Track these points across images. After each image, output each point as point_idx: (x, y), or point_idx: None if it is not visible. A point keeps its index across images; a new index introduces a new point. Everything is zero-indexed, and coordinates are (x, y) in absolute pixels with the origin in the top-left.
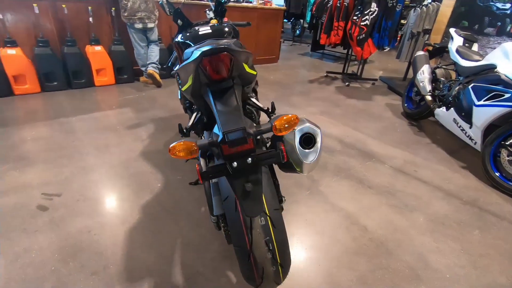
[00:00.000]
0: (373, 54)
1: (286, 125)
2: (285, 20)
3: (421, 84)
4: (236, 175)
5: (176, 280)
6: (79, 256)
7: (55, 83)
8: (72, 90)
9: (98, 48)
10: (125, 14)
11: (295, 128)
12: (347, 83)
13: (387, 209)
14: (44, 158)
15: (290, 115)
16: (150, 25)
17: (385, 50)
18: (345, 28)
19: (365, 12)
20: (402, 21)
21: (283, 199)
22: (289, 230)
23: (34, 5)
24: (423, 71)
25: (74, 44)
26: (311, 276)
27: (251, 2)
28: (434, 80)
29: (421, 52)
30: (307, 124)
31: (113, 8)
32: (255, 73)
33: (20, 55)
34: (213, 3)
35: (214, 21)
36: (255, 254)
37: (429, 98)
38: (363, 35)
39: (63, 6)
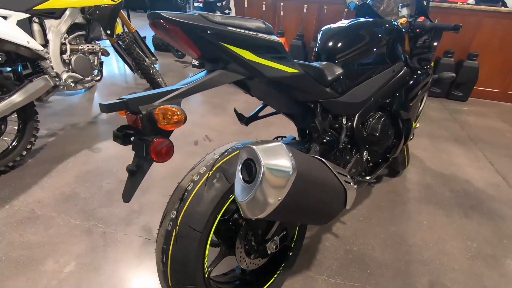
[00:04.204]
0: None
1: (168, 116)
2: None
3: None
4: (133, 149)
5: None
6: (166, 180)
7: None
8: None
9: None
10: None
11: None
12: None
13: None
14: (231, 115)
15: (173, 108)
16: None
17: None
18: None
19: None
20: None
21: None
22: None
23: (305, 5)
24: None
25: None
26: None
27: None
28: None
29: None
30: (253, 146)
31: None
32: (284, 68)
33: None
34: None
35: (402, 20)
36: (156, 252)
37: None
38: None
39: (325, 7)
